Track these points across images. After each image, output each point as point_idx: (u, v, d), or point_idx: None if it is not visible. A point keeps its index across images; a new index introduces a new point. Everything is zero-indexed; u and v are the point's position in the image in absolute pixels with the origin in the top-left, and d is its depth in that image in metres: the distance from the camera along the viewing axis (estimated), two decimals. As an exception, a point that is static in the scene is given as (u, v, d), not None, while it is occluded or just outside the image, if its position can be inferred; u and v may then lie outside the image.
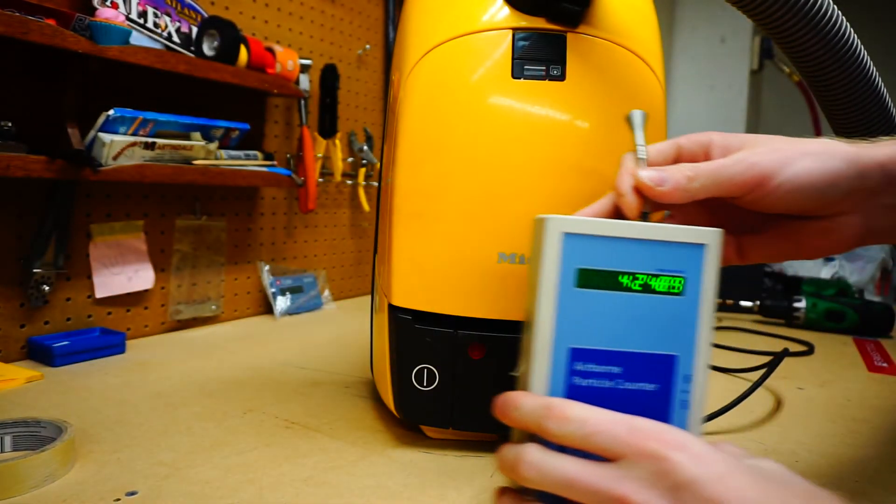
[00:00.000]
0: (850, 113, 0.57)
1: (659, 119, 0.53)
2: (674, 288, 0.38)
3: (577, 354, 0.38)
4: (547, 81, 0.51)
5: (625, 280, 0.38)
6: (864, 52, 0.54)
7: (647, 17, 0.55)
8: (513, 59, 0.51)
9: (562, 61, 0.51)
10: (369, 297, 1.31)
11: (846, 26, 0.52)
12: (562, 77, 0.51)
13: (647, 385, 0.38)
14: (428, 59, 0.51)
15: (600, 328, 0.38)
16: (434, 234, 0.52)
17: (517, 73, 0.51)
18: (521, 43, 0.51)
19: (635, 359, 0.38)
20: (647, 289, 0.38)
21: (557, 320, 0.38)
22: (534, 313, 0.38)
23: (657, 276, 0.38)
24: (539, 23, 0.51)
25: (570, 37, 0.51)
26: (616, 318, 0.38)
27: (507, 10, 0.52)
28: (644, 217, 0.40)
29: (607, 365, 0.38)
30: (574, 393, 0.38)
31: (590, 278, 0.38)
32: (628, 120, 0.43)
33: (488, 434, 0.57)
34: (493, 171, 0.51)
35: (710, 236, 0.38)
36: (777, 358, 0.76)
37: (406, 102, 0.52)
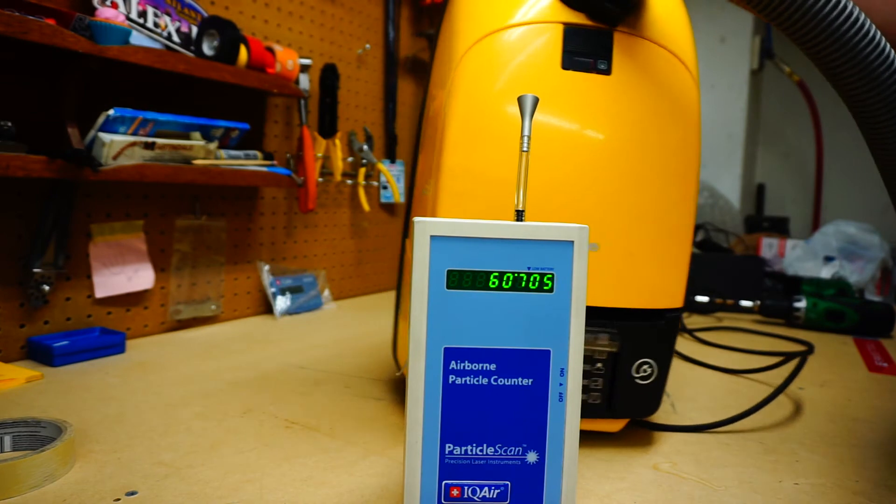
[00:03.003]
0: (870, 109, 0.55)
1: (694, 119, 0.55)
2: (544, 285, 0.39)
3: (452, 353, 0.39)
4: (594, 74, 0.53)
5: (495, 279, 0.39)
6: (886, 46, 0.52)
7: (684, 23, 0.57)
8: (563, 50, 0.53)
9: (608, 56, 0.53)
10: (369, 296, 1.31)
11: (864, 21, 0.50)
12: (608, 71, 0.53)
13: (523, 380, 0.39)
14: (480, 46, 0.53)
15: (474, 327, 0.39)
16: (477, 215, 0.53)
17: (567, 63, 0.53)
18: (572, 36, 0.53)
19: (510, 355, 0.39)
20: (517, 287, 0.39)
21: (430, 321, 0.39)
22: (409, 315, 0.39)
23: (527, 274, 0.39)
24: (586, 18, 0.54)
25: (617, 35, 0.54)
26: (489, 317, 0.39)
27: (557, 3, 0.54)
28: (518, 216, 0.41)
29: (482, 362, 0.39)
30: (451, 391, 0.39)
31: (460, 279, 0.39)
32: (518, 104, 0.42)
33: None
34: (539, 160, 0.52)
35: (576, 233, 0.39)
36: (802, 358, 0.76)
37: (455, 89, 0.53)
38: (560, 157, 0.53)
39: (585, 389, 0.57)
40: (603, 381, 0.57)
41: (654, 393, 0.57)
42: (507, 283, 0.39)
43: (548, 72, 0.53)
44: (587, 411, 0.58)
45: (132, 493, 0.46)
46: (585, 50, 0.53)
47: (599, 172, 0.53)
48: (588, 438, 0.60)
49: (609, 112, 0.53)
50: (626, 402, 0.57)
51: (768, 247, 1.70)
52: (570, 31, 0.53)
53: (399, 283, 0.70)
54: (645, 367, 0.57)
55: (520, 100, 0.42)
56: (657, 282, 0.55)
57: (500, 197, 0.52)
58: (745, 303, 1.27)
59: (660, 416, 0.68)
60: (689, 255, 0.56)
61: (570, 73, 0.53)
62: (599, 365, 0.57)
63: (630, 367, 0.56)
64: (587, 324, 0.57)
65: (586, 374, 0.57)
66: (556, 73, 0.53)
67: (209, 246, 1.04)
